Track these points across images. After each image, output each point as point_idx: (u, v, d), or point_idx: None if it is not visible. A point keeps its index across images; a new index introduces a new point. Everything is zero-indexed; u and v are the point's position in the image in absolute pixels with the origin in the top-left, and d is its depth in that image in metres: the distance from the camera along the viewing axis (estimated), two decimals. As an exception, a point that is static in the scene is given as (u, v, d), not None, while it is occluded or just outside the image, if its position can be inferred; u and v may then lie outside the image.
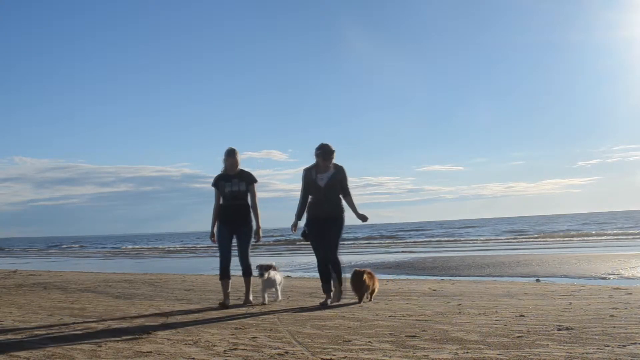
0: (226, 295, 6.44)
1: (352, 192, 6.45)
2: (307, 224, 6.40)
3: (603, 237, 28.15)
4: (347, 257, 19.85)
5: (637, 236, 27.38)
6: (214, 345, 3.82)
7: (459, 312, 5.22)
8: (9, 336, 4.37)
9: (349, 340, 3.86)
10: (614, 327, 4.12)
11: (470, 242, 30.44)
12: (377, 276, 6.69)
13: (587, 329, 4.03)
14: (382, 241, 35.81)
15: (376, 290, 6.49)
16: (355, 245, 32.26)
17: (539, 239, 29.71)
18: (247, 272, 6.52)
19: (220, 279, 6.51)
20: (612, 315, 4.71)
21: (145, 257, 27.94)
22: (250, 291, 6.57)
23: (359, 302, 6.09)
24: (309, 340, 3.89)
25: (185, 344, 3.92)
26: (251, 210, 6.53)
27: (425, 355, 3.34)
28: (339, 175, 6.33)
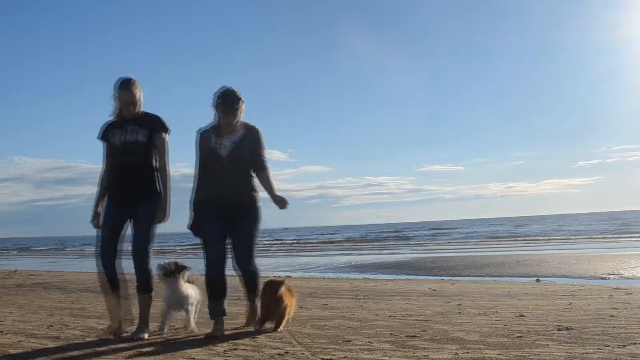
0: (115, 317, 4.24)
1: (270, 166, 4.45)
2: (197, 210, 4.34)
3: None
4: (346, 258, 19.84)
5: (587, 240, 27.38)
6: (214, 345, 3.82)
7: (459, 312, 5.22)
8: (8, 336, 4.37)
9: (349, 340, 3.86)
10: (614, 327, 4.12)
11: (470, 242, 30.45)
12: (376, 276, 6.51)
13: (587, 329, 4.03)
14: (374, 243, 35.81)
15: (291, 313, 4.47)
16: (352, 246, 32.27)
17: (539, 239, 29.71)
18: (144, 284, 4.20)
19: (104, 291, 4.28)
20: (612, 315, 4.71)
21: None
22: (148, 315, 4.23)
23: (259, 326, 4.32)
24: (309, 340, 3.90)
25: (185, 343, 3.92)
26: (156, 174, 4.29)
27: (425, 355, 3.34)
28: (251, 140, 4.33)
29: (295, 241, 40.67)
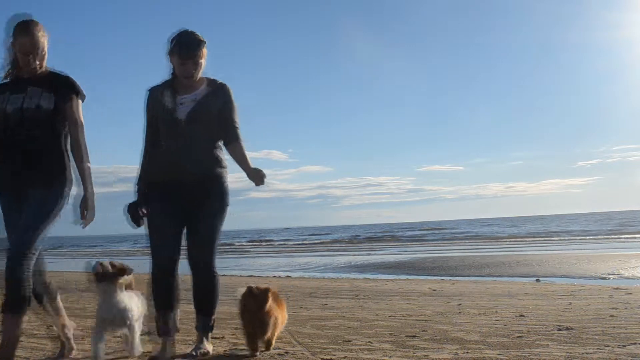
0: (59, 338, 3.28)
1: (244, 138, 3.42)
2: (144, 192, 3.39)
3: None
4: (346, 258, 19.80)
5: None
6: (214, 345, 3.81)
7: (459, 312, 5.23)
8: (9, 336, 4.36)
9: (349, 340, 3.86)
10: (614, 327, 4.13)
11: (471, 242, 30.46)
12: (376, 276, 6.52)
13: (587, 329, 4.04)
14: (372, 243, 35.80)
15: (280, 327, 3.53)
16: (347, 247, 32.27)
17: (539, 239, 29.71)
18: (12, 299, 2.98)
19: (4, 310, 3.01)
20: (612, 315, 4.72)
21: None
22: (15, 346, 3.06)
23: (253, 351, 3.36)
24: (309, 340, 3.89)
25: (185, 344, 3.91)
26: (68, 155, 3.25)
27: (425, 355, 3.34)
28: (218, 99, 3.35)
29: (283, 242, 40.63)
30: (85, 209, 3.24)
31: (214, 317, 3.52)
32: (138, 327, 3.36)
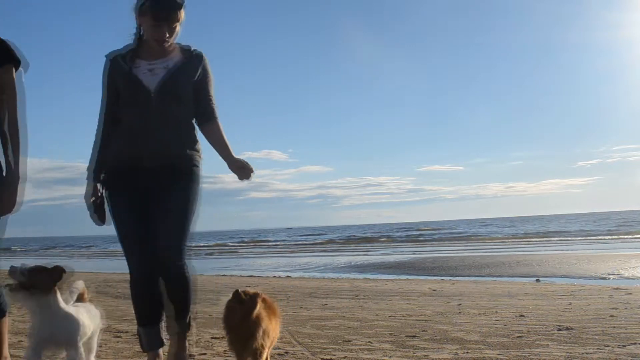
0: None
1: (219, 117, 2.92)
2: (108, 180, 2.87)
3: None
4: (346, 258, 19.79)
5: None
6: (214, 345, 3.82)
7: (459, 312, 5.23)
8: (8, 336, 4.36)
9: (349, 340, 3.86)
10: (614, 327, 4.13)
11: (471, 242, 30.46)
12: (376, 276, 6.51)
13: (587, 329, 4.04)
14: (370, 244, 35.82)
15: (274, 339, 2.65)
16: (348, 247, 32.27)
17: (539, 239, 29.72)
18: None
19: None
20: (612, 315, 4.72)
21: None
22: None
23: None
24: (309, 340, 3.89)
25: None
26: (3, 132, 2.63)
27: (425, 355, 3.34)
28: (194, 71, 2.82)
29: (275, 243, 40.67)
30: (5, 192, 2.59)
31: (189, 315, 2.92)
32: (93, 345, 2.77)
